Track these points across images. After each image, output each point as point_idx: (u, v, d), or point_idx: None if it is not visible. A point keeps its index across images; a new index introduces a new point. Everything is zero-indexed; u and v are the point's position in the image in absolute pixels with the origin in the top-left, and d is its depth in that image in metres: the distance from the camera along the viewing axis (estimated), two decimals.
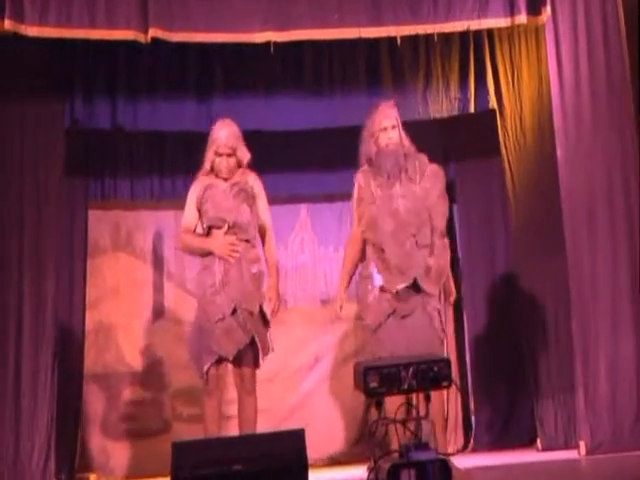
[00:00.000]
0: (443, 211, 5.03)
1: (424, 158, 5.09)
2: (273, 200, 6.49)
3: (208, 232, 5.11)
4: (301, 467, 3.96)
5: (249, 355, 5.02)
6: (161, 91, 6.04)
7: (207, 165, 5.16)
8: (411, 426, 4.27)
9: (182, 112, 6.11)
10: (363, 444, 6.07)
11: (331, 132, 6.24)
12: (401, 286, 4.89)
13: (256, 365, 5.07)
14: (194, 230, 5.15)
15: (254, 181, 5.20)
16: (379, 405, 4.29)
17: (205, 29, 5.48)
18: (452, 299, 5.14)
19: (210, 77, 6.12)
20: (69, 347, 5.90)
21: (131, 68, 5.98)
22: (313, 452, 5.48)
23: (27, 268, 5.71)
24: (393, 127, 5.06)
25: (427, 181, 5.01)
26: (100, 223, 6.38)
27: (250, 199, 5.13)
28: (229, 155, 5.12)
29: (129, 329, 6.32)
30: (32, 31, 5.28)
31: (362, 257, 5.12)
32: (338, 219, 6.63)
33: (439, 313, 4.97)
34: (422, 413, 4.30)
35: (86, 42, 5.48)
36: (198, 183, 5.17)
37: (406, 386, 4.16)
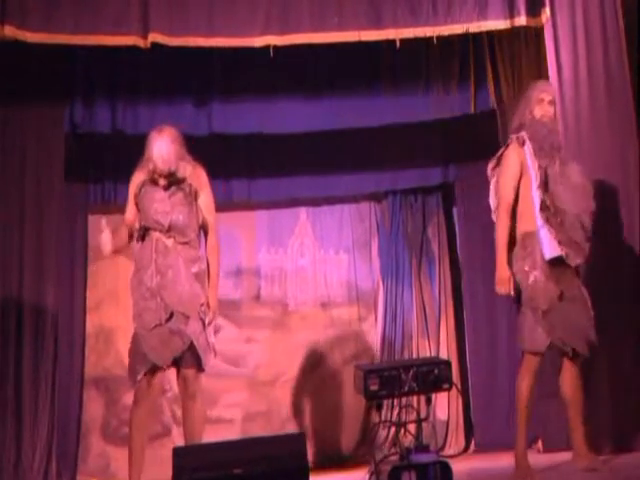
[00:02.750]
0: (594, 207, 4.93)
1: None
2: (273, 203, 6.55)
3: (145, 232, 4.93)
4: (302, 470, 3.96)
5: (189, 359, 4.81)
6: (161, 95, 6.03)
7: (146, 165, 4.96)
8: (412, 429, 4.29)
9: (182, 116, 6.09)
10: (364, 447, 6.07)
11: (331, 135, 6.24)
12: (578, 261, 4.81)
13: (199, 368, 4.84)
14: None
15: (197, 177, 4.99)
16: (379, 408, 4.31)
17: (205, 33, 5.48)
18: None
19: (210, 81, 6.12)
20: (69, 351, 5.89)
21: (131, 72, 5.98)
22: (314, 455, 5.53)
23: (28, 272, 5.72)
24: (550, 102, 4.99)
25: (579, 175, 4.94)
26: (100, 227, 6.37)
27: (189, 198, 4.92)
28: (167, 176, 4.93)
29: (129, 333, 6.28)
30: (32, 37, 5.28)
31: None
32: (338, 222, 6.64)
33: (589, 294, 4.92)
34: (423, 415, 4.30)
35: (86, 47, 5.48)
36: (136, 178, 4.98)
37: (406, 389, 4.17)
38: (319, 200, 6.65)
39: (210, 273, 4.94)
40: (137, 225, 4.94)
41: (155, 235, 4.86)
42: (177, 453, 4.03)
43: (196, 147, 5.93)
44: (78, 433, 5.87)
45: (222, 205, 6.41)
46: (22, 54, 5.55)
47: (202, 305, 4.85)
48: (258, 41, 5.51)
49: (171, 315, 4.78)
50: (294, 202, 6.61)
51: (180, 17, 5.43)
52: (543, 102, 4.97)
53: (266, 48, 5.52)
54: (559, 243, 4.77)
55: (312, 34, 5.58)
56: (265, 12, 5.51)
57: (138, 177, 4.99)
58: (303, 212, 6.66)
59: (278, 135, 6.21)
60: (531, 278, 4.80)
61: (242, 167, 6.37)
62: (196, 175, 5.00)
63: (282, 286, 6.54)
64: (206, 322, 4.86)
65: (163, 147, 4.88)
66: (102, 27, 5.33)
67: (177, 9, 5.43)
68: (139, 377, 4.80)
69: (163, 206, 4.87)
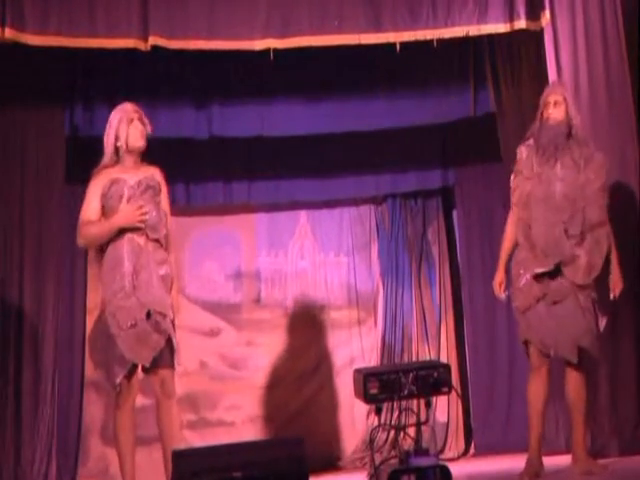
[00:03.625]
0: (601, 204, 4.92)
1: (591, 145, 5.03)
2: (273, 206, 6.55)
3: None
4: (301, 474, 3.95)
5: (166, 357, 4.70)
6: (161, 98, 6.03)
7: (108, 155, 4.83)
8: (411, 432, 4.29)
9: (182, 119, 6.11)
10: (364, 450, 6.07)
11: (331, 138, 6.24)
12: (540, 270, 4.83)
13: (173, 367, 4.75)
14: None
15: (160, 177, 4.91)
16: (379, 411, 4.30)
17: (205, 36, 5.48)
18: (617, 291, 4.99)
19: (209, 84, 6.12)
20: (69, 353, 5.89)
21: (131, 75, 5.98)
22: (313, 459, 5.51)
23: (28, 274, 5.72)
24: (556, 103, 4.98)
25: (591, 170, 4.93)
26: None
27: (157, 197, 4.83)
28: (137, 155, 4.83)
29: None
30: (33, 40, 5.29)
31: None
32: (338, 225, 6.63)
33: (594, 304, 4.90)
34: (422, 419, 4.30)
35: (86, 50, 5.48)
36: (101, 177, 4.82)
37: (406, 392, 4.17)
38: (319, 203, 6.64)
39: (173, 275, 4.85)
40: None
41: (127, 234, 4.72)
42: (176, 456, 4.02)
43: (196, 150, 5.97)
44: (78, 435, 5.88)
45: (222, 208, 6.45)
46: (22, 57, 5.56)
47: (170, 307, 4.77)
48: (258, 44, 5.51)
49: (148, 313, 4.67)
50: (294, 205, 6.60)
51: (180, 20, 5.43)
52: (549, 105, 4.99)
53: (266, 51, 5.53)
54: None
55: (312, 37, 5.59)
56: (265, 15, 5.52)
57: (101, 177, 4.82)
58: (303, 215, 6.65)
59: (278, 138, 6.21)
60: (522, 281, 4.90)
61: (242, 170, 6.36)
62: (159, 174, 4.93)
63: (282, 289, 6.53)
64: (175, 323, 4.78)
65: (138, 125, 4.83)
66: (102, 30, 5.34)
67: (177, 12, 5.44)
68: (118, 380, 4.66)
69: (135, 201, 4.75)
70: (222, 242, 6.45)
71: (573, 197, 4.90)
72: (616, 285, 5.01)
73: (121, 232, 4.72)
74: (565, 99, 5.03)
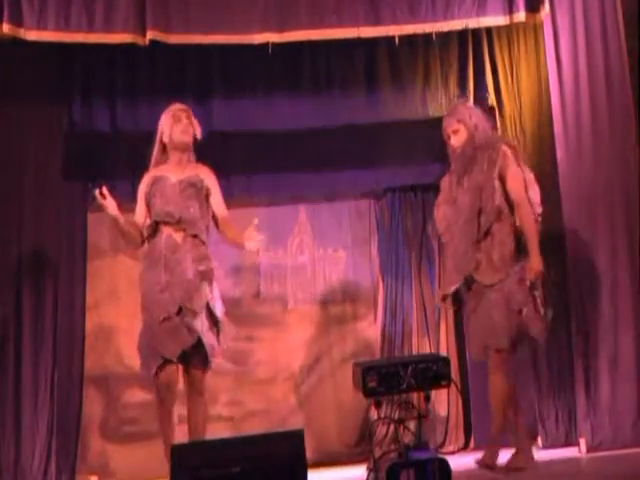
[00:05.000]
0: (494, 197, 4.98)
1: (496, 143, 5.11)
2: (272, 201, 6.53)
3: (155, 227, 4.97)
4: (301, 468, 3.95)
5: (197, 357, 4.86)
6: (160, 93, 6.00)
7: (156, 152, 5.09)
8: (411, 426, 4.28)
9: None
10: (363, 444, 6.06)
11: (330, 132, 6.22)
12: (451, 288, 4.98)
13: (205, 367, 4.90)
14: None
15: (208, 175, 5.09)
16: (378, 405, 4.29)
17: (203, 31, 5.48)
18: (532, 277, 4.98)
19: (208, 78, 6.10)
20: (69, 350, 5.87)
21: (130, 70, 5.96)
22: (313, 452, 5.52)
23: (27, 271, 5.73)
24: (454, 132, 5.18)
25: (494, 168, 5.02)
26: (99, 226, 6.36)
27: (200, 195, 5.00)
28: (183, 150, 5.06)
29: (129, 331, 6.28)
30: (30, 35, 5.30)
31: None
32: (337, 220, 6.61)
33: (509, 298, 4.93)
34: (422, 412, 4.29)
35: (84, 45, 5.47)
36: (147, 176, 5.06)
37: (405, 385, 4.16)
38: (318, 198, 6.63)
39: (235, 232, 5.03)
40: (147, 222, 4.96)
41: (165, 230, 4.89)
42: (176, 451, 4.02)
43: (196, 145, 5.93)
44: (77, 431, 5.85)
45: None
46: (20, 53, 5.56)
47: (209, 303, 4.88)
48: (257, 38, 5.52)
49: (179, 310, 4.79)
50: (293, 200, 6.59)
51: (178, 14, 5.44)
52: (449, 137, 5.23)
53: (265, 46, 5.52)
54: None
55: (311, 31, 5.60)
56: (263, 9, 5.52)
57: (147, 176, 5.04)
58: (302, 210, 6.64)
59: (277, 132, 6.19)
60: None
61: (241, 165, 6.34)
62: (206, 173, 5.07)
63: (282, 284, 6.52)
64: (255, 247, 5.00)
65: (183, 120, 5.05)
66: (100, 25, 5.34)
67: (175, 6, 5.44)
68: (153, 371, 4.81)
69: (174, 198, 4.92)
70: (221, 237, 6.44)
71: (473, 201, 4.98)
72: (530, 271, 4.98)
73: (159, 228, 4.89)
74: (462, 122, 5.15)
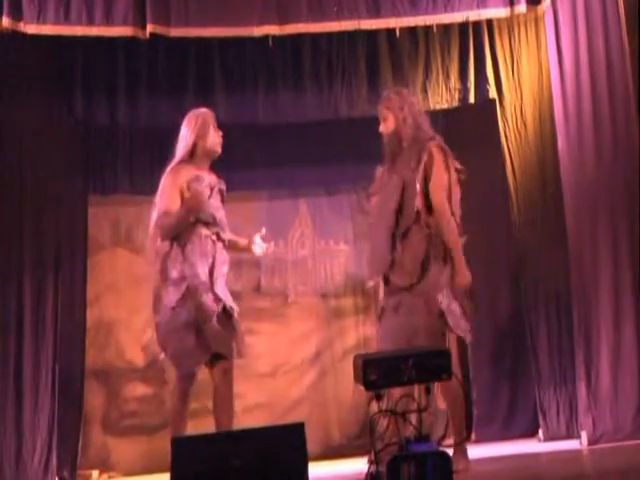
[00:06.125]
0: (414, 199, 4.81)
1: (426, 141, 4.96)
2: (273, 195, 6.53)
3: (192, 225, 4.89)
4: (301, 461, 3.94)
5: (232, 349, 4.89)
6: (160, 87, 6.01)
7: (186, 152, 4.94)
8: (412, 418, 4.27)
9: (182, 108, 6.05)
10: (364, 437, 6.06)
11: (331, 125, 6.21)
12: (369, 284, 4.94)
13: (233, 358, 4.92)
14: None
15: (223, 185, 5.13)
16: (379, 398, 4.27)
17: (203, 24, 5.47)
18: (459, 285, 4.86)
19: (209, 72, 6.08)
20: (70, 344, 5.87)
21: (130, 64, 5.96)
22: (314, 445, 5.51)
23: (27, 265, 5.72)
24: (383, 119, 5.04)
25: (420, 166, 4.86)
26: (100, 219, 6.36)
27: (223, 201, 5.06)
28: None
29: (129, 325, 6.31)
30: (30, 29, 5.29)
31: None
32: (338, 213, 6.61)
33: (429, 302, 4.80)
34: (423, 405, 4.27)
35: (85, 39, 5.46)
36: (181, 172, 4.91)
37: (406, 378, 4.14)
38: (319, 191, 6.62)
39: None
40: (192, 219, 4.87)
41: (203, 231, 4.86)
42: (176, 444, 4.01)
43: None
44: (78, 425, 5.85)
45: None
46: (20, 47, 5.55)
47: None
48: (257, 30, 5.51)
49: (224, 308, 4.86)
50: (294, 193, 6.58)
51: (178, 7, 5.42)
52: (380, 122, 5.06)
53: (265, 39, 5.51)
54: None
55: (311, 23, 5.59)
56: (264, 2, 5.50)
57: (184, 171, 4.89)
58: (303, 203, 6.64)
59: (278, 126, 6.18)
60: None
61: (242, 158, 6.33)
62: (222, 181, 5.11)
63: (282, 277, 6.52)
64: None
65: (219, 132, 5.02)
66: (100, 19, 5.32)
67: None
68: (197, 368, 4.85)
69: (215, 201, 4.96)
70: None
71: (397, 200, 4.84)
72: (459, 284, 4.86)
73: (197, 231, 4.83)
74: (390, 109, 5.00)
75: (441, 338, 4.88)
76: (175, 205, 4.79)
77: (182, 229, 4.82)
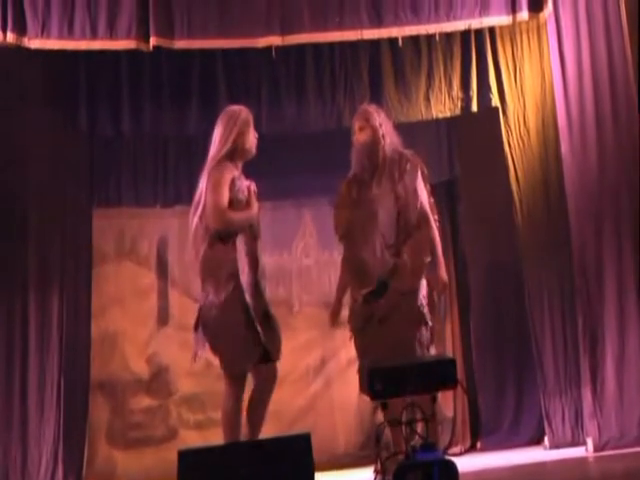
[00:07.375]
0: (415, 207, 4.85)
1: (407, 155, 4.96)
2: (277, 205, 6.53)
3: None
4: (308, 471, 3.94)
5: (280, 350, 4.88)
6: (164, 97, 6.02)
7: (227, 150, 4.76)
8: (418, 428, 4.26)
9: (186, 118, 6.08)
10: (370, 446, 6.04)
11: (334, 135, 6.20)
12: (365, 290, 4.83)
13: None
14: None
15: None
16: (385, 407, 4.27)
17: (207, 35, 5.48)
18: (440, 289, 4.96)
19: (212, 83, 6.09)
20: (75, 356, 5.87)
21: (135, 75, 5.97)
22: (320, 455, 5.49)
23: (32, 277, 5.73)
24: (360, 128, 4.96)
25: (408, 178, 4.88)
26: (104, 231, 6.36)
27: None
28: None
29: (134, 337, 6.31)
30: (34, 44, 5.32)
31: None
32: None
33: (419, 310, 4.81)
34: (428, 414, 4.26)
35: (90, 51, 5.47)
36: (228, 169, 4.75)
37: (412, 388, 4.14)
38: (323, 201, 6.61)
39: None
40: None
41: (241, 238, 4.74)
42: (182, 455, 4.01)
43: (200, 148, 5.91)
44: (84, 437, 5.85)
45: None
46: (25, 60, 5.57)
47: None
48: (261, 42, 5.53)
49: (266, 308, 4.81)
50: (298, 203, 6.59)
51: (181, 20, 5.43)
52: (355, 131, 4.97)
53: (268, 49, 5.52)
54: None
55: (314, 34, 5.59)
56: (266, 13, 5.52)
57: (227, 170, 4.74)
58: (307, 213, 6.64)
59: (282, 136, 6.18)
60: (355, 305, 4.97)
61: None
62: None
63: (287, 287, 6.52)
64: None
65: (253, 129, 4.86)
66: (103, 32, 5.34)
67: (178, 12, 5.44)
68: (251, 365, 4.71)
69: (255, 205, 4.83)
70: None
71: (388, 208, 4.84)
72: (440, 282, 4.91)
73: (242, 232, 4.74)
74: (369, 122, 4.95)
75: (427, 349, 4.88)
76: (225, 201, 4.65)
77: (240, 229, 4.73)
